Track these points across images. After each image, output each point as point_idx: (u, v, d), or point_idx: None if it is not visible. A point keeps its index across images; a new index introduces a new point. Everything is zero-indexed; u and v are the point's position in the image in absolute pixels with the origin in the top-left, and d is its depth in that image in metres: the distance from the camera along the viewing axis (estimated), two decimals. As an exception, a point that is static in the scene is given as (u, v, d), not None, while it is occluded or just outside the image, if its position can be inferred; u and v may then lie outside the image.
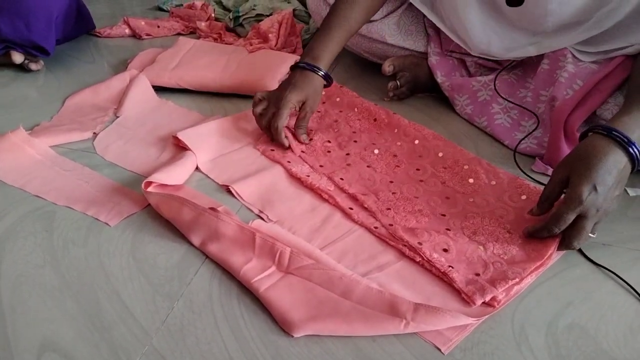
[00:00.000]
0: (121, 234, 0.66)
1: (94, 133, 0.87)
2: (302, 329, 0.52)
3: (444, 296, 0.57)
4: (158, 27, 1.33)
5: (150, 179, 0.70)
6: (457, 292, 0.58)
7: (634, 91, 0.68)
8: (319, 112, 0.91)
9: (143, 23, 1.32)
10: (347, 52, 1.20)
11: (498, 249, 0.62)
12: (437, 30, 0.98)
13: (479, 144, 0.88)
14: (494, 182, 0.73)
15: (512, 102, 0.88)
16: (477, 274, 0.58)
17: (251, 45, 1.16)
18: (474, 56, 0.93)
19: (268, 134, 0.82)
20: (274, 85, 0.97)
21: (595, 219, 0.59)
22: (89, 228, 0.67)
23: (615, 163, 0.58)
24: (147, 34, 1.31)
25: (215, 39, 1.24)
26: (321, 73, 0.82)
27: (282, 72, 1.01)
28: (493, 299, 0.56)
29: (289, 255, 0.59)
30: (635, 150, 0.59)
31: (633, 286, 0.59)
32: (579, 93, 0.77)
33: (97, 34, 1.30)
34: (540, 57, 0.87)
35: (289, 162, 0.78)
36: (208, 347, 0.52)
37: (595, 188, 0.57)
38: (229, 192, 0.73)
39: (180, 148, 0.80)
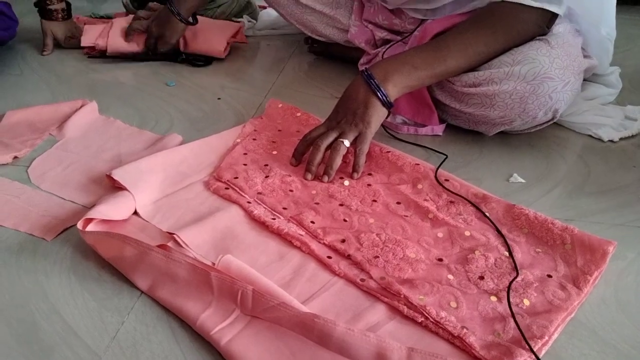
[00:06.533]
0: (59, 249, 0.59)
1: (15, 157, 0.77)
2: None
3: None
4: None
5: (89, 214, 0.59)
6: (472, 355, 0.47)
7: (435, 39, 0.76)
8: (274, 142, 0.80)
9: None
10: (297, 52, 1.19)
11: (513, 296, 0.52)
12: (361, 5, 1.03)
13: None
14: (487, 214, 0.64)
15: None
16: (498, 333, 0.49)
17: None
18: (384, 28, 1.00)
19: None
20: (222, 44, 1.12)
21: (337, 130, 0.71)
22: (21, 245, 0.60)
23: (360, 96, 0.71)
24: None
25: None
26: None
27: (227, 35, 1.14)
28: None
29: (251, 294, 0.49)
30: (381, 92, 0.70)
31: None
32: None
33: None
34: None
35: (249, 202, 0.66)
36: (166, 361, 0.47)
37: (337, 110, 0.74)
38: (176, 242, 0.58)
39: (117, 188, 0.67)
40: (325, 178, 0.70)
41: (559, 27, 0.77)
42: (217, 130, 0.82)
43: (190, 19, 1.08)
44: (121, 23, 1.14)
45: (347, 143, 0.70)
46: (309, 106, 0.90)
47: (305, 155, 0.74)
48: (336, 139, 0.71)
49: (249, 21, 1.31)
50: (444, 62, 0.72)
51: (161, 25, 1.08)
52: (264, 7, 1.36)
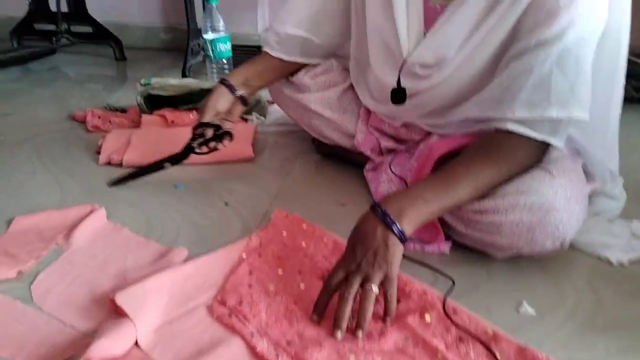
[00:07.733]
0: (56, 386, 0.58)
1: (19, 272, 0.76)
2: None
3: None
4: (110, 122, 1.34)
5: (90, 352, 0.57)
6: None
7: (442, 169, 0.75)
8: (279, 258, 0.79)
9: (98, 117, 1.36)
10: (305, 151, 1.21)
11: None
12: (367, 112, 1.06)
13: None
14: (498, 356, 0.62)
15: (394, 174, 0.98)
16: None
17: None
18: (390, 136, 1.03)
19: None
20: (250, 150, 1.19)
21: (360, 274, 0.66)
22: (17, 380, 0.58)
23: (378, 235, 0.67)
24: (95, 126, 1.33)
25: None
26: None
27: (250, 137, 1.24)
28: None
29: None
30: (397, 228, 0.68)
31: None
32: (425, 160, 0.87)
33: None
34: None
35: (252, 334, 0.64)
36: None
37: (354, 249, 0.68)
38: None
39: (120, 311, 0.65)
40: (360, 332, 0.63)
41: (557, 153, 0.78)
42: (223, 240, 0.82)
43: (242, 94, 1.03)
44: (138, 137, 1.20)
45: (376, 289, 0.65)
46: (314, 213, 0.91)
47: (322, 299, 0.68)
48: (361, 283, 0.66)
49: (257, 118, 1.35)
50: (455, 195, 0.72)
51: (215, 101, 1.01)
52: (272, 102, 1.40)
